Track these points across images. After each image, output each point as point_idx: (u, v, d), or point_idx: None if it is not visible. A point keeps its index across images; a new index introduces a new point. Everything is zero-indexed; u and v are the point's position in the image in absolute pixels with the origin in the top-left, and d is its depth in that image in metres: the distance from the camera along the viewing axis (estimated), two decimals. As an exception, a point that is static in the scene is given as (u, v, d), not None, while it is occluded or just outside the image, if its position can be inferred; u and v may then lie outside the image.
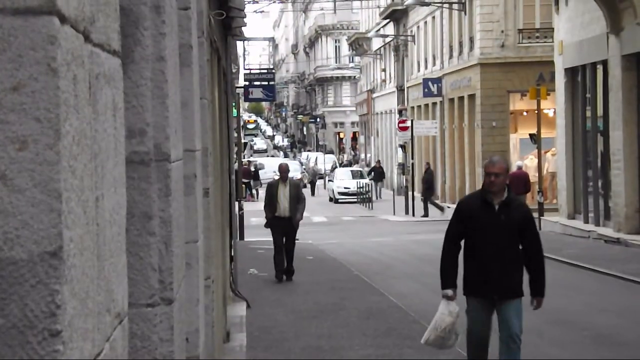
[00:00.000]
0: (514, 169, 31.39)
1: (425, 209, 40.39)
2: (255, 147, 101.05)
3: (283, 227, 18.45)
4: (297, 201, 18.66)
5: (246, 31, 20.46)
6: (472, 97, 42.89)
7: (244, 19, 14.61)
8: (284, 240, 18.49)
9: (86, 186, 2.10)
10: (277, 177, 19.45)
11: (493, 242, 8.72)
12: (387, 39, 61.36)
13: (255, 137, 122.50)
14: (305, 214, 21.47)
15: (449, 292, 9.01)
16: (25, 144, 1.86)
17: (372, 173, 54.23)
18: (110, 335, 2.39)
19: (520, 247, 8.89)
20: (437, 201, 42.25)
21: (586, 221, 27.46)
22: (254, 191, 54.12)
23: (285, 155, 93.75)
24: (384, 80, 65.43)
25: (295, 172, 57.38)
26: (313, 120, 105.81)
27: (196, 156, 5.32)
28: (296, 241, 19.11)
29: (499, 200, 8.76)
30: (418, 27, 53.82)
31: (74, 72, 2.01)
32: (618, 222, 24.81)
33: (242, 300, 15.32)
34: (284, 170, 19.05)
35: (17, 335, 1.84)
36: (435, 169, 50.47)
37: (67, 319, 1.89)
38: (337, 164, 73.15)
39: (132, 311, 3.50)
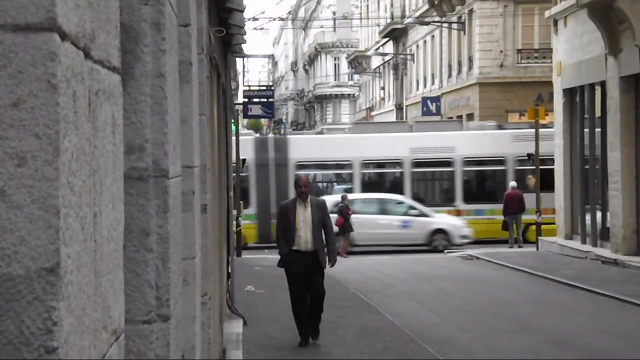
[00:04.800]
0: (507, 189, 31.64)
1: None
2: None
3: (305, 265, 13.04)
4: (324, 229, 13.25)
5: (246, 48, 20.50)
6: (470, 116, 42.95)
7: (244, 36, 14.63)
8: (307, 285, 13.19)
9: (84, 202, 2.10)
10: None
11: None
12: (387, 58, 61.51)
13: None
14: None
15: None
16: (24, 160, 1.85)
17: None
18: (107, 352, 2.38)
19: None
20: None
21: (583, 242, 27.44)
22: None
23: None
24: (383, 99, 65.51)
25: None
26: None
27: (194, 172, 5.32)
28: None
29: None
30: (417, 46, 53.94)
31: (74, 89, 2.01)
32: (615, 243, 24.79)
33: (239, 317, 15.28)
34: (304, 184, 13.22)
35: (13, 352, 1.83)
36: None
37: (64, 336, 1.89)
38: None
39: (128, 328, 3.49)
